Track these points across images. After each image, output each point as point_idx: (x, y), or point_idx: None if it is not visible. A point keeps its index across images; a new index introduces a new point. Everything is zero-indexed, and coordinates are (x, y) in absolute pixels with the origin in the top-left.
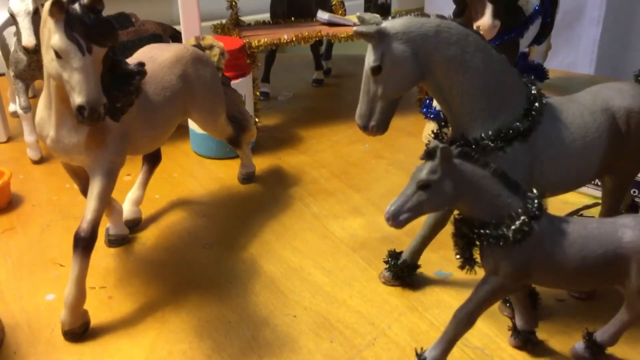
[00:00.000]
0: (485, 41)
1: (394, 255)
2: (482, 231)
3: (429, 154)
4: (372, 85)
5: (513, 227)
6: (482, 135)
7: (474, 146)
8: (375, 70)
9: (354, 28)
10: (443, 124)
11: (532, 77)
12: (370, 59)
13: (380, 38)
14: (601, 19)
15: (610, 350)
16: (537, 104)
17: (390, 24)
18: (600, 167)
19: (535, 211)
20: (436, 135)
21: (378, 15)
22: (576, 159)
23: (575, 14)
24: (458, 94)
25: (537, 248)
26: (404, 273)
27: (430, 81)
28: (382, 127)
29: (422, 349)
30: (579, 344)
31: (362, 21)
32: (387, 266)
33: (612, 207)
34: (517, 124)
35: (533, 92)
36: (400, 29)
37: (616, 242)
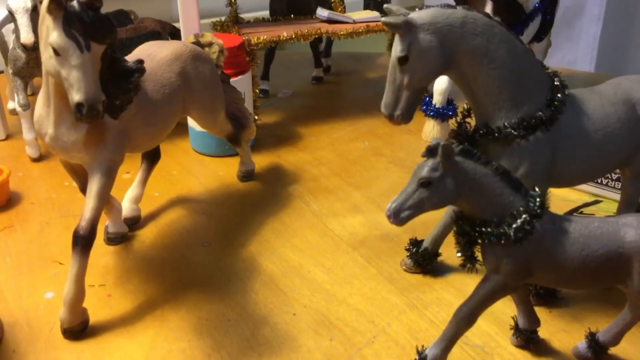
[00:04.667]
0: (509, 32)
1: (415, 243)
2: (483, 229)
3: (430, 152)
4: (398, 75)
5: (515, 225)
6: (505, 123)
7: (496, 134)
8: (402, 60)
9: (382, 19)
10: (466, 113)
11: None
12: (397, 49)
13: (407, 28)
14: (601, 16)
15: (612, 350)
16: (559, 95)
17: (417, 15)
18: (621, 157)
19: (537, 210)
20: (459, 125)
21: (376, 14)
22: (597, 150)
23: (576, 12)
24: (483, 84)
25: (538, 247)
26: (425, 261)
27: (455, 71)
28: (407, 117)
29: (422, 346)
30: (581, 344)
31: (389, 12)
32: (408, 254)
33: (631, 197)
34: (540, 113)
35: (556, 83)
36: (427, 19)
37: (618, 242)
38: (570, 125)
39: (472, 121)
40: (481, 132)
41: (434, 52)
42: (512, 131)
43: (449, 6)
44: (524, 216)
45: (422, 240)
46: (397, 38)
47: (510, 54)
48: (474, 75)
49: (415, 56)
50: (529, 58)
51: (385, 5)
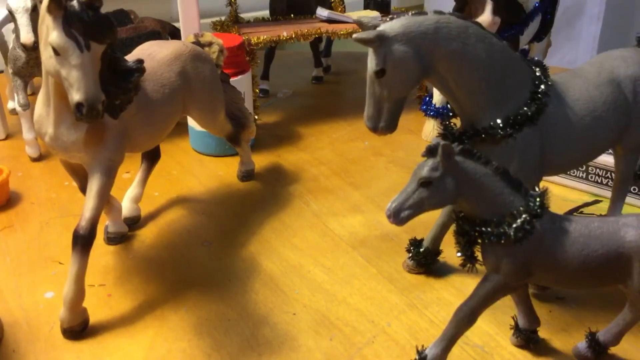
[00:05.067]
0: (485, 30)
1: (415, 243)
2: (483, 229)
3: (430, 151)
4: (377, 88)
5: (515, 225)
6: (492, 124)
7: (483, 135)
8: (379, 74)
9: (354, 36)
10: (450, 114)
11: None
12: (372, 63)
13: (380, 42)
14: (601, 15)
15: (612, 350)
16: (542, 87)
17: (389, 27)
18: (611, 138)
19: (537, 209)
20: (445, 127)
21: (376, 13)
22: (586, 135)
23: (576, 11)
24: (464, 85)
25: (538, 246)
26: (427, 260)
27: (434, 76)
28: (391, 127)
29: (422, 346)
30: (581, 344)
31: (361, 25)
32: (409, 255)
33: (625, 174)
34: (525, 109)
35: (537, 74)
36: (399, 30)
37: (618, 242)
38: (557, 114)
39: (456, 121)
40: (468, 134)
41: (410, 61)
42: (499, 131)
43: (419, 13)
44: (524, 216)
45: (421, 240)
46: (371, 52)
47: (487, 52)
48: (454, 78)
49: (392, 68)
50: (507, 53)
51: (354, 18)
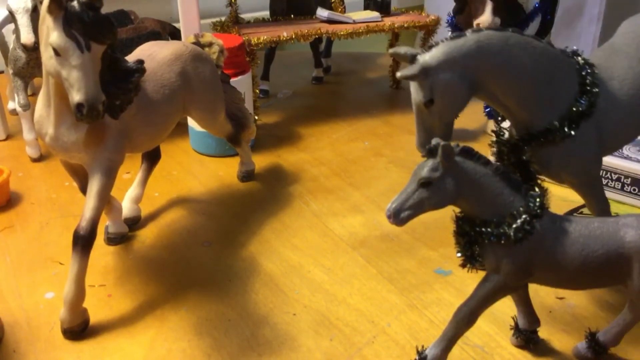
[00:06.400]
0: (524, 36)
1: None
2: (483, 229)
3: (430, 152)
4: (426, 117)
5: (514, 225)
6: (548, 127)
7: (542, 139)
8: (428, 104)
9: (398, 74)
10: (500, 119)
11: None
12: (419, 95)
13: (425, 75)
14: (601, 16)
15: (612, 350)
16: (589, 78)
17: (429, 57)
18: None
19: (537, 210)
20: (497, 134)
21: (376, 14)
22: (638, 111)
23: (575, 12)
24: (513, 95)
25: (538, 247)
26: None
27: (482, 94)
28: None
29: (422, 346)
30: (581, 344)
31: (398, 57)
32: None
33: None
34: (578, 104)
35: (581, 63)
36: (442, 58)
37: (618, 242)
38: (607, 99)
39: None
40: (524, 139)
41: (457, 86)
42: (558, 133)
43: (458, 36)
44: (524, 216)
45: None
46: (415, 84)
47: (531, 58)
48: (502, 90)
49: (440, 96)
50: (550, 52)
51: (390, 51)
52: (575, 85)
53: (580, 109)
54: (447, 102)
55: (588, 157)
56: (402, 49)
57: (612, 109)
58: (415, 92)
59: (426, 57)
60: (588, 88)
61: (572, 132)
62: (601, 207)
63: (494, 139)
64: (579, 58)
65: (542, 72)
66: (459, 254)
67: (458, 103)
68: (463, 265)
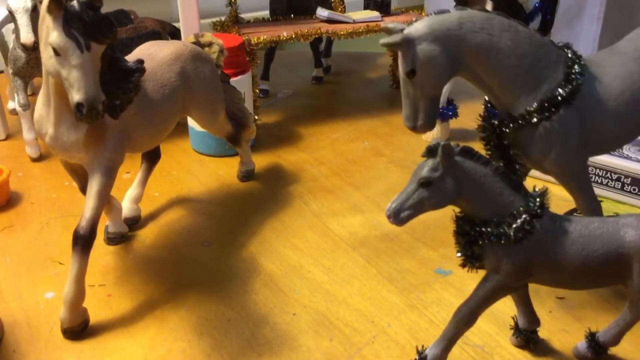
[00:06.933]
0: (509, 19)
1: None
2: (483, 229)
3: (430, 152)
4: (410, 89)
5: (515, 225)
6: (527, 109)
7: (520, 121)
8: (410, 75)
9: (380, 41)
10: (489, 106)
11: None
12: (402, 65)
13: (407, 44)
14: (601, 15)
15: (612, 350)
16: (576, 67)
17: (413, 29)
18: None
19: (537, 209)
20: (484, 119)
21: (376, 13)
22: (627, 111)
23: (575, 11)
24: (495, 76)
25: (538, 247)
26: None
27: (465, 72)
28: (429, 124)
29: (422, 346)
30: (581, 344)
31: (388, 31)
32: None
33: None
34: (559, 90)
35: (569, 55)
36: (424, 30)
37: (618, 242)
38: (594, 92)
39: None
40: (505, 122)
41: (438, 59)
42: (535, 114)
43: (441, 11)
44: (524, 216)
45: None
46: (400, 55)
47: (514, 40)
48: (485, 70)
49: (422, 68)
50: (535, 38)
51: (383, 25)
52: (560, 74)
53: (562, 94)
54: (428, 74)
55: (569, 146)
56: (391, 24)
57: (598, 104)
58: (400, 63)
59: (410, 29)
60: (572, 77)
61: (550, 116)
62: (589, 206)
63: (481, 123)
64: (568, 50)
65: (525, 55)
66: (458, 254)
67: (440, 77)
68: (463, 265)
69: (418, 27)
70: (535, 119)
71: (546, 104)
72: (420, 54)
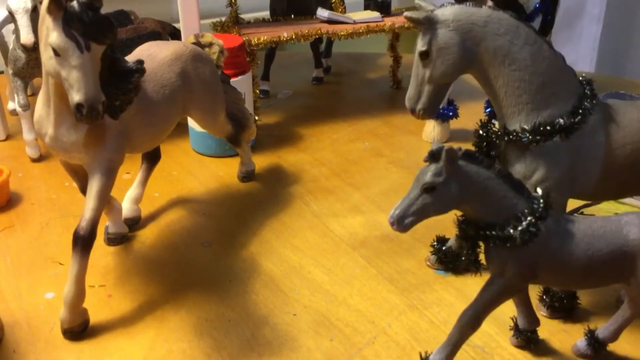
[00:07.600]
0: (537, 35)
1: (440, 240)
2: (488, 233)
3: (433, 156)
4: (420, 70)
5: (520, 227)
6: (522, 126)
7: (512, 137)
8: (423, 55)
9: (405, 14)
10: (491, 114)
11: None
12: (419, 44)
13: (429, 24)
14: (602, 16)
15: (611, 349)
16: (586, 103)
17: (440, 11)
18: None
19: (541, 211)
20: (482, 125)
21: (377, 14)
22: (623, 165)
23: (576, 12)
24: (503, 84)
25: (543, 248)
26: (448, 259)
27: (477, 70)
28: (428, 111)
29: (426, 352)
30: (580, 341)
31: (419, 7)
32: (432, 250)
33: None
34: (560, 120)
35: (587, 92)
36: (449, 16)
37: (622, 240)
38: (595, 135)
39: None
40: (499, 133)
41: (454, 48)
42: (528, 135)
43: (474, 4)
44: (529, 218)
45: (448, 239)
46: (420, 33)
47: (533, 56)
48: (495, 75)
49: (436, 52)
50: (557, 63)
51: (416, 1)
52: (569, 106)
53: (561, 124)
54: (441, 60)
55: (552, 176)
56: (424, 2)
57: (597, 148)
58: (417, 40)
59: (437, 11)
60: (579, 112)
61: (540, 141)
62: None
63: (478, 126)
64: (588, 87)
65: (539, 74)
66: (462, 259)
67: (451, 66)
68: (467, 270)
69: (445, 11)
70: (526, 139)
71: (541, 128)
72: (439, 38)
